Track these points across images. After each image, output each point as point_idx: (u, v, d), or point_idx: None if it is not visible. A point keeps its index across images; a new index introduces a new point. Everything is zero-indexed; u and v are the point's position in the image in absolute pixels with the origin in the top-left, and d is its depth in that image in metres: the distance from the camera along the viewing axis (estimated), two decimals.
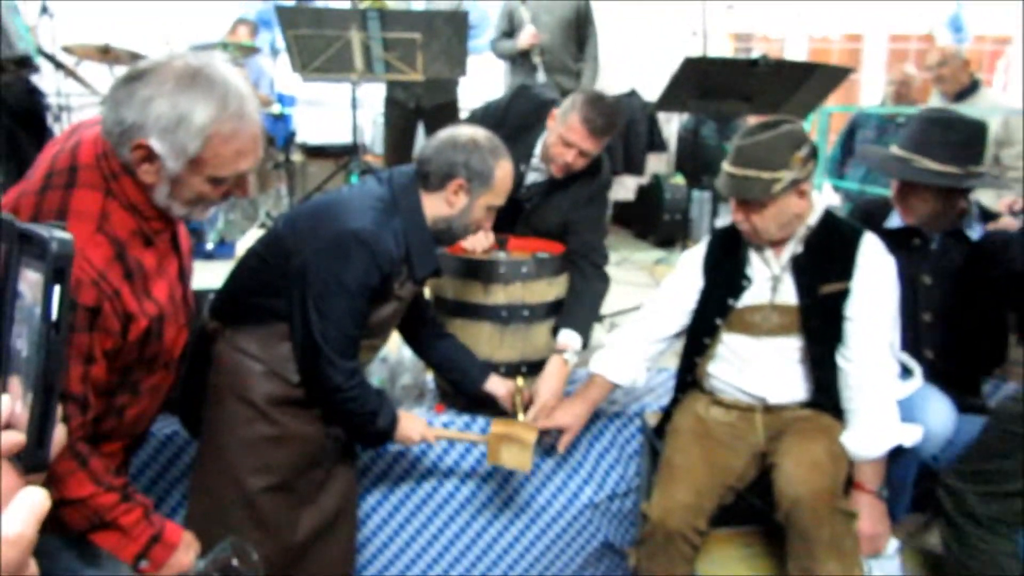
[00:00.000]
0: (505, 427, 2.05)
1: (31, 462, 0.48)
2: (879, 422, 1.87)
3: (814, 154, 1.87)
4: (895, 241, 2.08)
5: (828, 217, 1.96)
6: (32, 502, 0.45)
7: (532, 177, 2.49)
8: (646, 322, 2.17)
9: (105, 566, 1.42)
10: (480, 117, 2.59)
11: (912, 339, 2.09)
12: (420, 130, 4.49)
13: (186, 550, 1.44)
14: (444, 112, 4.28)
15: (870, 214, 2.26)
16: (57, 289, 0.49)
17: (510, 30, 4.33)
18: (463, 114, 4.36)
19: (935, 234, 2.15)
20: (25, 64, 3.20)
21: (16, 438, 0.47)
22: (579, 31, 4.35)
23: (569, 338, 2.25)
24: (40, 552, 1.34)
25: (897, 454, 1.91)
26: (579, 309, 2.31)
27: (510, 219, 2.44)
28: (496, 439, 2.03)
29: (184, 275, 1.51)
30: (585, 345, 2.29)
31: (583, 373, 2.29)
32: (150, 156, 1.25)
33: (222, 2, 5.49)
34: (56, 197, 1.25)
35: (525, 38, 4.16)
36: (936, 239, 2.16)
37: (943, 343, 2.13)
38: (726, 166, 1.89)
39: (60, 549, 1.38)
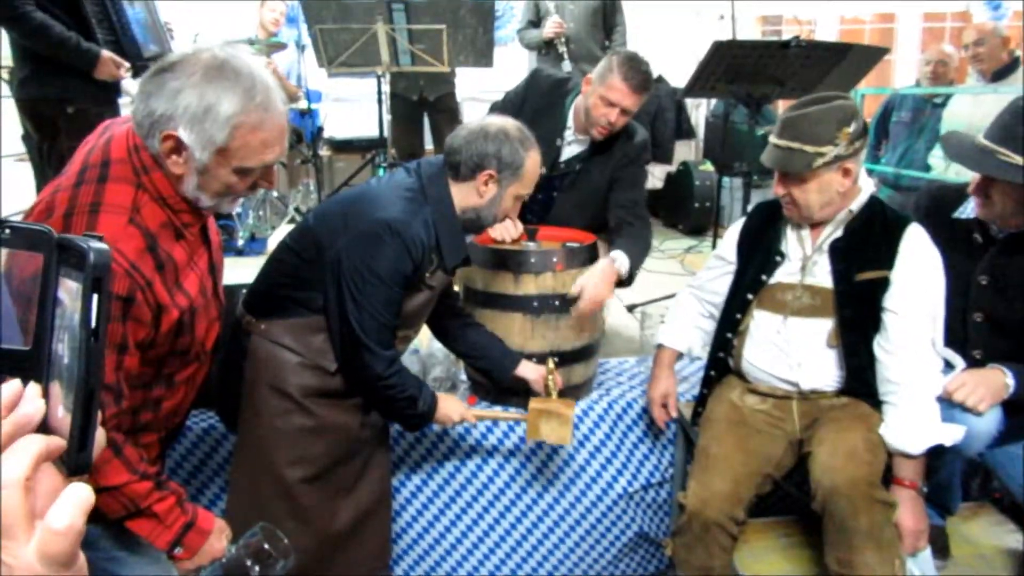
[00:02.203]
0: (543, 403, 2.05)
1: (74, 464, 0.50)
2: (919, 419, 1.82)
3: (863, 133, 1.83)
4: (956, 234, 2.01)
5: (873, 203, 1.92)
6: (78, 496, 0.47)
7: (568, 150, 2.58)
8: (696, 292, 2.24)
9: (142, 553, 1.45)
10: (501, 107, 2.62)
11: (960, 338, 2.02)
12: (426, 121, 4.57)
13: (219, 536, 1.47)
14: (445, 102, 4.40)
15: (939, 201, 2.15)
16: (96, 298, 0.51)
17: (536, 20, 4.32)
18: (472, 104, 4.39)
19: (1000, 233, 2.01)
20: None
21: (59, 443, 0.49)
22: (606, 19, 4.32)
23: (618, 255, 2.32)
24: (83, 544, 1.36)
25: (941, 453, 1.86)
26: (629, 244, 2.39)
27: (548, 201, 2.59)
28: (535, 415, 2.03)
29: (214, 269, 1.53)
30: (630, 278, 2.37)
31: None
32: (179, 147, 1.27)
33: (249, 1, 5.52)
34: (90, 191, 1.28)
35: (549, 28, 4.16)
36: (1000, 238, 2.01)
37: (992, 345, 2.02)
38: (772, 138, 1.88)
39: (99, 537, 1.41)
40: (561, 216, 2.58)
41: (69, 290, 0.51)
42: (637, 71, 2.36)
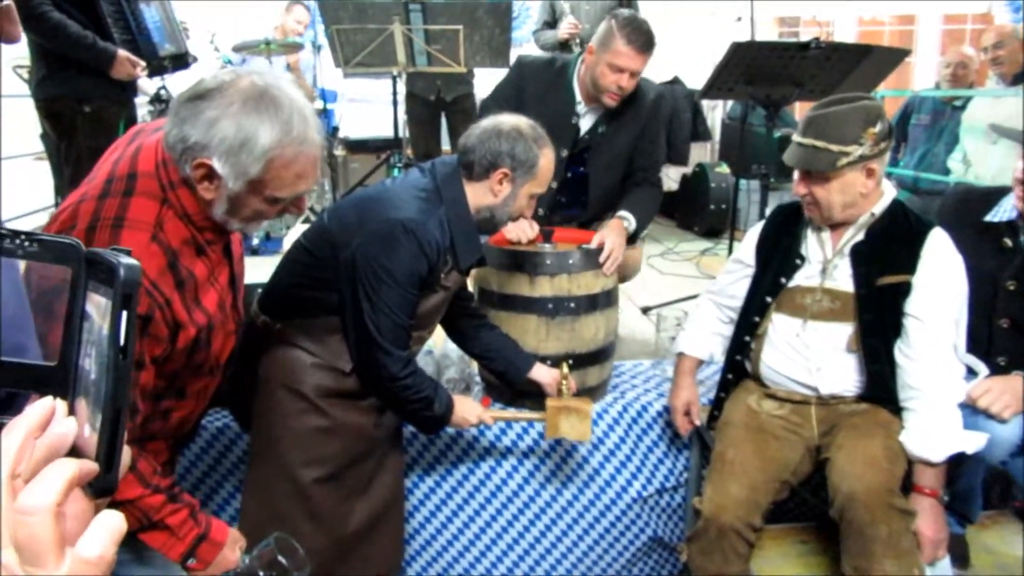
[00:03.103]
0: (561, 401, 2.04)
1: (101, 486, 0.49)
2: (940, 426, 1.80)
3: (889, 134, 1.82)
4: (985, 238, 1.99)
5: (895, 207, 1.90)
6: (111, 525, 0.46)
7: (585, 123, 2.58)
8: (715, 298, 2.21)
9: (156, 564, 1.44)
10: (495, 103, 2.60)
11: (985, 343, 2.00)
12: (443, 121, 4.56)
13: (232, 547, 1.46)
14: (463, 103, 4.38)
15: (967, 204, 2.13)
16: (125, 315, 0.49)
17: (552, 20, 4.32)
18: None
19: None
20: (181, 61, 3.27)
21: (91, 467, 0.48)
22: None
23: (625, 215, 2.36)
24: None
25: (963, 461, 1.83)
26: (636, 202, 2.43)
27: (579, 176, 2.62)
28: (554, 412, 2.02)
29: (235, 282, 1.52)
30: (636, 235, 2.39)
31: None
32: (211, 175, 1.26)
33: (265, 1, 5.55)
34: (114, 204, 1.27)
35: (564, 28, 4.15)
36: None
37: (1018, 352, 2.00)
38: (796, 136, 1.86)
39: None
40: (595, 182, 2.62)
41: (97, 305, 0.50)
42: (639, 31, 2.35)
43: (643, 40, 2.35)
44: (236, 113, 1.23)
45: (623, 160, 2.59)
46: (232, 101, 1.23)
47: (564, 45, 4.21)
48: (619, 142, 2.58)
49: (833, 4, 6.53)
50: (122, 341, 0.49)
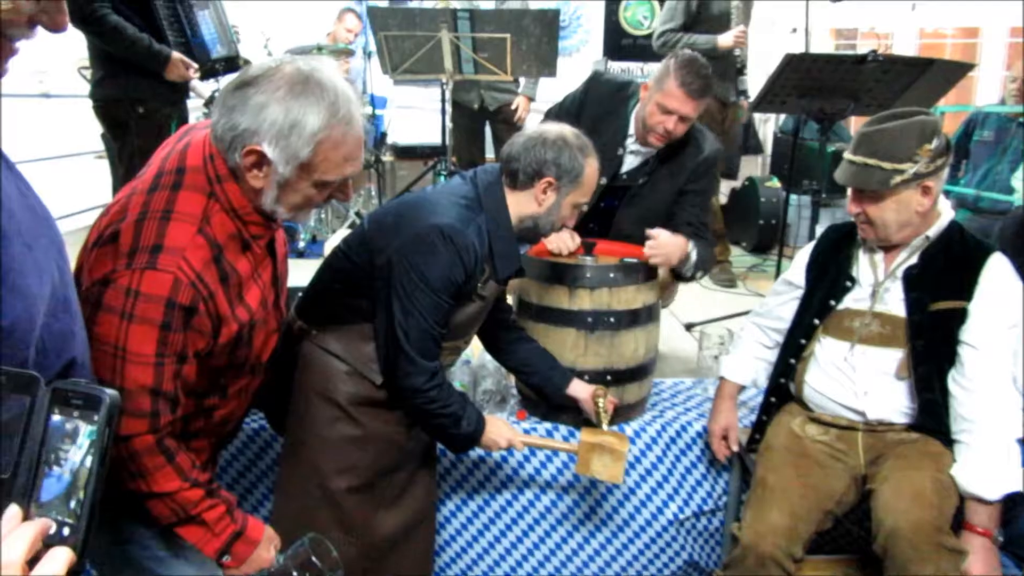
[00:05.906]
0: (596, 436, 1.95)
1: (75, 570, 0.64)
2: (996, 461, 1.71)
3: (946, 151, 1.74)
4: None
5: (953, 228, 1.82)
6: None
7: (631, 160, 2.48)
8: (761, 321, 2.16)
9: (187, 556, 1.45)
10: (556, 113, 2.58)
11: None
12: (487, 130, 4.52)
13: (267, 546, 1.45)
14: (506, 113, 4.33)
15: None
16: (107, 432, 0.66)
17: (690, 23, 3.84)
18: (531, 116, 4.32)
19: None
20: (233, 64, 3.35)
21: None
22: None
23: (692, 252, 2.26)
24: (132, 540, 1.36)
25: (1021, 500, 1.74)
26: (699, 249, 2.29)
27: (612, 209, 2.49)
28: (587, 448, 1.95)
29: (278, 280, 1.52)
30: (691, 276, 2.31)
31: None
32: (261, 161, 1.27)
33: (321, 2, 5.65)
34: (163, 198, 1.28)
35: (732, 36, 3.77)
36: None
37: None
38: (847, 154, 1.80)
39: (151, 539, 1.42)
40: (622, 231, 2.49)
41: (68, 429, 0.65)
42: (695, 75, 2.23)
43: (697, 85, 2.22)
44: (284, 97, 1.24)
45: (654, 220, 2.40)
46: (279, 86, 1.25)
47: (713, 56, 3.65)
48: (658, 196, 2.44)
49: (893, 16, 6.35)
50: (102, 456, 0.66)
